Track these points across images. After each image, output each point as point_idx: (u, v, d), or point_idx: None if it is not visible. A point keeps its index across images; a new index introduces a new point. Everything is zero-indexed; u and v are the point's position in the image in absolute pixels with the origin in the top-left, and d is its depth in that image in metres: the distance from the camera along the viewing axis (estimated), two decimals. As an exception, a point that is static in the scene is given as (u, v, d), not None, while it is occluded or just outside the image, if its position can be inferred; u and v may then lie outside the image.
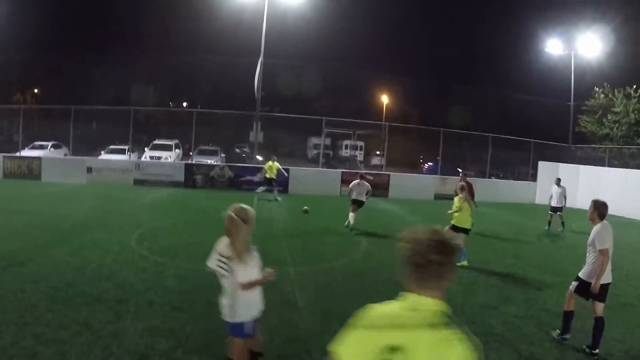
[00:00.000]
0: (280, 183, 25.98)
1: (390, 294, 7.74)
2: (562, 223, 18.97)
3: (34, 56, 56.23)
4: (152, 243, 12.39)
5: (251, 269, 4.97)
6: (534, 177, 32.54)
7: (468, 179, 17.28)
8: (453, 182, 28.25)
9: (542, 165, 31.70)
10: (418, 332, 2.37)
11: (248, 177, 26.58)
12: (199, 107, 53.73)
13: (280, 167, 23.81)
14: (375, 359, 2.26)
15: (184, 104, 67.22)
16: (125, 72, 61.16)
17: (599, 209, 7.27)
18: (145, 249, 11.71)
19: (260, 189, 23.67)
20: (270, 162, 23.73)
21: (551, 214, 19.41)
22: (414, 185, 28.43)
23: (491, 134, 32.55)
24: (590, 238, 7.18)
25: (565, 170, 30.01)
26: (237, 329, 4.96)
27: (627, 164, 33.43)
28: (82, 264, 10.07)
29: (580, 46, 36.03)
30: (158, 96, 62.54)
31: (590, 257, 7.17)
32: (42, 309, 7.46)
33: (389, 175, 28.91)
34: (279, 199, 23.20)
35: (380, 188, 27.12)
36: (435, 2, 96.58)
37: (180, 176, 26.64)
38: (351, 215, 16.50)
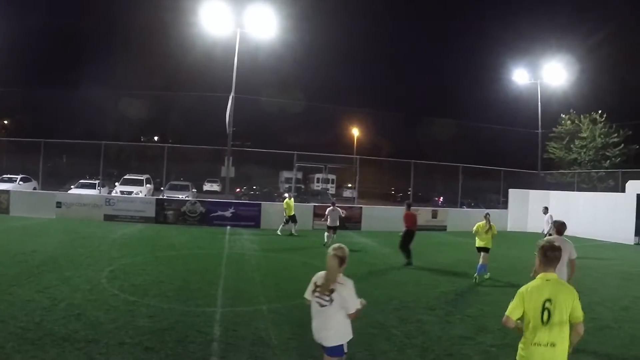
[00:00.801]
0: (252, 218, 26.05)
1: (362, 331, 7.76)
2: None
3: (3, 88, 55.68)
4: (122, 281, 12.21)
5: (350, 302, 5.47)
6: (504, 205, 32.95)
7: (412, 209, 18.21)
8: (425, 213, 28.60)
9: (513, 193, 32.29)
10: (554, 288, 4.71)
11: (220, 212, 26.43)
12: (170, 141, 53.60)
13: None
14: (540, 307, 4.63)
15: (155, 139, 66.99)
16: (96, 106, 60.79)
17: (557, 227, 9.31)
18: (115, 287, 11.52)
19: (282, 227, 23.81)
20: (288, 200, 23.89)
21: None
22: (386, 217, 28.47)
23: (461, 164, 32.99)
24: None
25: (535, 196, 30.66)
26: (338, 350, 5.59)
27: (595, 187, 34.23)
28: (51, 302, 9.87)
29: (545, 75, 37.06)
30: (129, 130, 62.12)
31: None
32: (10, 350, 7.29)
33: (361, 207, 29.02)
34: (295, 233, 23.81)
35: (353, 221, 27.25)
36: (403, 35, 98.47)
37: (151, 211, 26.38)
38: (326, 234, 20.60)
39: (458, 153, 44.91)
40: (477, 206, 37.09)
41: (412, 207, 18.10)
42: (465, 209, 33.25)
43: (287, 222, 23.81)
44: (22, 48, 70.79)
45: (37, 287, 11.03)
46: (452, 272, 15.38)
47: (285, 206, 23.75)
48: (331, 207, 21.23)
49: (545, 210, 21.20)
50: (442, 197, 43.64)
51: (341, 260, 5.49)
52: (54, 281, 11.75)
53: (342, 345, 5.57)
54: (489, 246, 14.61)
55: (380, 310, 10.36)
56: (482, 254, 14.45)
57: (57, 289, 11.04)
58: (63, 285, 11.38)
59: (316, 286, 5.74)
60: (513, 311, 4.90)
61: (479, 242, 14.72)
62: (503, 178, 34.54)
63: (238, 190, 40.73)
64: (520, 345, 4.89)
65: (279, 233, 23.29)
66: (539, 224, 21.94)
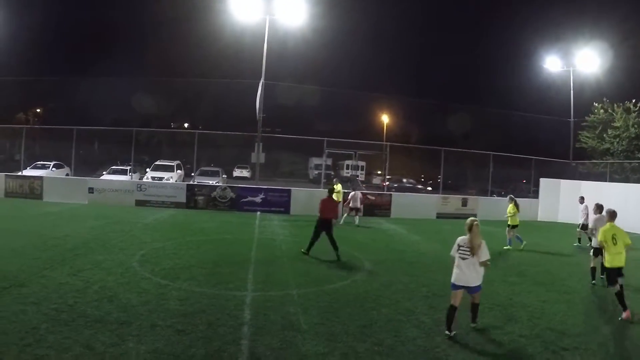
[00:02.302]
0: (282, 204, 26.04)
1: (391, 317, 7.68)
2: (579, 239, 19.88)
3: (36, 77, 56.48)
4: (154, 264, 12.32)
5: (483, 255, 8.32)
6: (535, 194, 32.40)
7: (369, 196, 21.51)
8: (455, 201, 28.34)
9: (544, 182, 31.68)
10: (616, 228, 10.38)
11: (250, 198, 26.47)
12: (200, 128, 53.85)
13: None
14: (611, 237, 10.14)
15: (185, 125, 67.40)
16: (127, 94, 61.42)
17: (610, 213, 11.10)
18: (147, 270, 11.63)
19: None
20: (335, 186, 23.20)
21: (579, 231, 19.86)
22: (415, 204, 28.27)
23: (492, 152, 32.48)
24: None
25: (566, 186, 30.02)
26: (479, 287, 8.42)
27: (628, 178, 33.39)
28: (84, 285, 10.00)
29: (578, 62, 36.00)
30: (160, 117, 62.64)
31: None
32: (44, 331, 7.38)
33: (390, 195, 28.83)
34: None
35: (382, 208, 27.08)
36: (435, 20, 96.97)
37: (182, 197, 26.56)
38: (345, 215, 22.95)
39: (489, 141, 44.35)
40: (507, 195, 36.63)
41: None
42: (496, 198, 32.74)
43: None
44: (53, 37, 71.69)
45: (70, 271, 11.17)
46: None
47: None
48: (353, 192, 23.73)
49: (582, 199, 20.78)
50: (474, 189, 43.05)
51: (477, 227, 8.26)
52: (87, 265, 11.89)
53: (480, 284, 8.37)
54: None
55: (410, 298, 10.28)
56: (515, 229, 18.16)
57: (89, 272, 11.18)
58: (96, 269, 11.51)
59: (459, 246, 8.38)
60: (601, 240, 10.26)
61: (513, 221, 18.16)
62: (534, 167, 33.93)
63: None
64: (606, 256, 10.23)
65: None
66: (570, 215, 21.49)
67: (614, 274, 9.89)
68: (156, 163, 34.89)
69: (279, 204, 26.44)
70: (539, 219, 29.99)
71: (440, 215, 27.72)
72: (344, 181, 30.18)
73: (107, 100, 61.67)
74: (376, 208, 26.87)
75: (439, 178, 34.03)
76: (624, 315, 9.43)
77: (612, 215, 10.76)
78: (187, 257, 13.57)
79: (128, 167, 32.53)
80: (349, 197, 23.34)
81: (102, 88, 58.45)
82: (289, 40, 34.84)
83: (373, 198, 27.47)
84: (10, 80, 52.32)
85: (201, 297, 9.65)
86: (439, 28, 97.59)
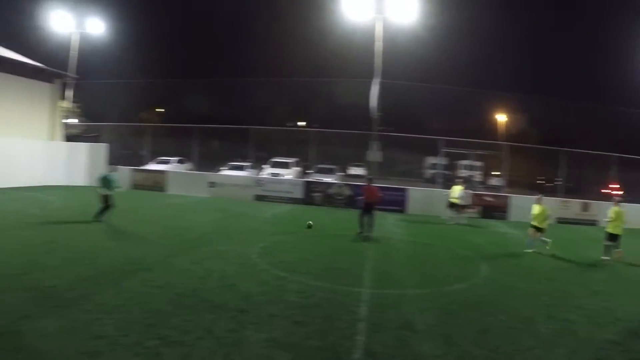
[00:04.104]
0: (398, 203, 25.73)
1: (509, 325, 7.25)
2: None
3: (161, 79, 59.57)
4: (272, 257, 12.48)
5: None
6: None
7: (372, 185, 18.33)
8: (575, 205, 26.75)
9: None
10: None
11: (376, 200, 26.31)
12: (315, 126, 54.44)
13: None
14: None
15: (300, 124, 68.40)
16: (245, 93, 63.29)
17: None
18: (266, 262, 11.78)
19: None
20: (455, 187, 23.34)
21: None
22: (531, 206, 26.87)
23: (615, 154, 30.34)
24: None
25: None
26: None
27: None
28: (205, 273, 10.30)
29: None
30: (276, 116, 63.98)
31: None
32: (167, 313, 7.65)
33: (508, 197, 27.69)
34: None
35: (498, 210, 26.10)
36: (557, 15, 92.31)
37: (299, 193, 26.95)
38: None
39: (613, 142, 41.67)
40: (634, 201, 34.20)
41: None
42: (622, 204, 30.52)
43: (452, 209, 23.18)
44: (174, 42, 75.12)
45: (193, 259, 11.54)
46: (604, 271, 14.08)
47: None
48: (464, 191, 22.65)
49: None
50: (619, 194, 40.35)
51: None
52: (208, 254, 12.26)
53: None
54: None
55: (528, 306, 9.70)
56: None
57: (211, 261, 11.51)
58: (216, 259, 11.83)
59: None
60: None
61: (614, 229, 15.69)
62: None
63: None
64: None
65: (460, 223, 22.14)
66: None
67: None
68: (274, 160, 35.55)
69: (395, 202, 26.10)
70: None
71: (560, 220, 26.20)
72: (461, 183, 29.41)
73: (226, 100, 63.94)
74: (493, 210, 25.93)
75: (558, 180, 32.36)
76: None
77: None
78: (305, 251, 13.67)
79: (246, 164, 33.34)
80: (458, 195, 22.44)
81: (221, 88, 60.72)
82: (401, 39, 34.52)
83: (492, 200, 26.58)
84: (135, 82, 55.57)
85: (318, 290, 9.63)
86: (559, 23, 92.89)
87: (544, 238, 15.87)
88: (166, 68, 68.06)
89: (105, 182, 16.36)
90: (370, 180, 18.75)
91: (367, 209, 17.15)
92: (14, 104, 26.87)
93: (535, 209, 16.42)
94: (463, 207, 22.31)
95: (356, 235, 16.71)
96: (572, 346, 7.68)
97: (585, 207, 26.98)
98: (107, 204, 16.06)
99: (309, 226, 16.98)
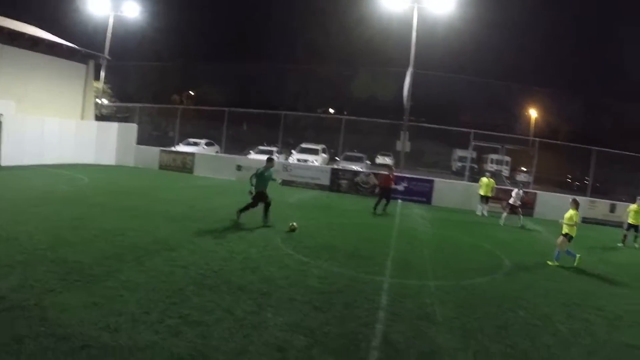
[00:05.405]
0: (424, 194, 25.58)
1: (527, 322, 7.14)
2: None
3: (191, 61, 59.93)
4: (296, 242, 12.48)
5: None
6: None
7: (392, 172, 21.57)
8: (602, 206, 26.21)
9: None
10: None
11: (392, 186, 26.21)
12: (345, 113, 54.32)
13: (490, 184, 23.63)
14: None
15: (331, 111, 68.33)
16: (276, 79, 63.43)
17: None
18: (289, 247, 11.80)
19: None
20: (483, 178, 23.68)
21: None
22: (561, 205, 26.32)
23: None
24: None
25: None
26: None
27: None
28: (228, 254, 10.36)
29: None
30: (306, 102, 63.96)
31: None
32: (189, 293, 7.71)
33: (535, 193, 27.27)
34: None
35: (524, 206, 25.77)
36: (589, 11, 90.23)
37: (326, 180, 26.93)
38: (505, 215, 21.14)
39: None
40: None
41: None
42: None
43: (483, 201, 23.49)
44: (207, 25, 75.32)
45: (217, 240, 11.64)
46: (626, 273, 13.80)
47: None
48: (516, 190, 21.97)
49: None
50: None
51: None
52: (233, 236, 12.35)
53: None
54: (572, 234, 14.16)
55: (548, 303, 9.55)
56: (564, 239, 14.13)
57: (235, 243, 11.58)
58: (240, 241, 11.90)
59: None
60: None
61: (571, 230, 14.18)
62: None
63: None
64: None
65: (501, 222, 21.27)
66: None
67: None
68: (302, 145, 35.61)
69: (421, 193, 25.96)
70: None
71: (585, 220, 25.60)
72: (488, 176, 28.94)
73: (258, 85, 64.10)
74: (522, 206, 25.64)
75: (586, 179, 31.75)
76: None
77: None
78: (329, 237, 13.64)
79: (274, 148, 33.40)
80: (513, 194, 21.66)
81: (253, 73, 60.85)
82: (436, 29, 34.22)
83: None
84: (168, 65, 55.95)
85: (340, 277, 9.62)
86: (594, 18, 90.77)
87: (570, 250, 14.29)
88: (200, 52, 68.48)
89: (261, 178, 14.73)
90: (390, 168, 21.42)
91: (383, 193, 20.34)
92: (48, 84, 27.39)
93: (569, 213, 14.69)
94: (517, 207, 21.19)
95: (373, 213, 19.58)
96: (590, 346, 7.55)
97: (612, 209, 26.46)
98: (259, 200, 14.67)
99: (292, 229, 13.92)
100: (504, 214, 21.16)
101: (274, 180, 15.44)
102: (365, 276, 9.92)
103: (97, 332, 5.96)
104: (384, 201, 20.11)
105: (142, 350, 5.64)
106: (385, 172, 21.92)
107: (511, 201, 21.25)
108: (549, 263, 13.57)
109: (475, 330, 7.63)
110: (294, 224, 13.97)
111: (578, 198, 15.94)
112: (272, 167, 15.34)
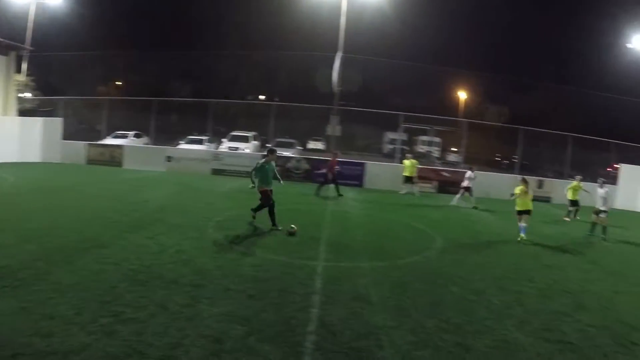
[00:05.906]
0: (356, 177, 25.93)
1: (462, 297, 7.51)
2: None
3: (117, 51, 58.27)
4: (229, 231, 12.51)
5: None
6: (614, 181, 30.29)
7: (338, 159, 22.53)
8: (531, 182, 27.08)
9: (625, 169, 29.19)
10: None
11: (324, 171, 26.39)
12: (276, 100, 54.12)
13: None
14: None
15: (261, 97, 67.92)
16: (203, 67, 62.48)
17: None
18: (222, 236, 11.83)
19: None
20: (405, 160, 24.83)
21: None
22: (490, 183, 27.23)
23: (571, 134, 30.92)
24: None
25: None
26: None
27: None
28: (160, 248, 10.27)
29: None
30: (236, 89, 63.36)
31: None
32: (122, 290, 7.63)
33: (464, 172, 28.00)
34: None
35: (457, 185, 26.49)
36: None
37: (257, 167, 26.73)
38: (458, 196, 22.14)
39: (569, 122, 42.46)
40: (584, 180, 35.00)
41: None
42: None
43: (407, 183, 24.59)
44: (133, 12, 73.37)
45: (148, 234, 11.49)
46: (555, 245, 14.47)
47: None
48: (470, 172, 22.69)
49: None
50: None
51: None
52: (165, 229, 12.22)
53: None
54: (530, 208, 14.92)
55: (481, 278, 9.96)
56: (524, 216, 14.74)
57: (166, 235, 11.48)
58: (172, 233, 11.81)
59: None
60: None
61: (521, 206, 14.91)
62: (615, 151, 32.03)
63: None
64: None
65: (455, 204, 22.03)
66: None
67: None
68: (232, 133, 35.29)
69: (353, 177, 26.31)
70: (617, 207, 28.06)
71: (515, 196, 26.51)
72: (418, 157, 29.41)
73: (185, 73, 63.05)
74: (452, 185, 26.33)
75: (514, 157, 32.85)
76: None
77: None
78: (261, 225, 13.62)
79: (204, 137, 33.07)
80: (466, 176, 22.54)
81: (180, 61, 59.76)
82: (365, 13, 34.50)
83: (448, 175, 27.02)
84: (93, 55, 54.29)
85: (273, 264, 9.73)
86: (520, 3, 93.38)
87: (523, 224, 14.75)
88: (125, 40, 66.60)
89: (262, 172, 13.77)
90: (335, 154, 22.08)
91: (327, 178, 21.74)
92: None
93: (518, 190, 15.11)
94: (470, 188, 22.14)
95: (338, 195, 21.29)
96: (522, 317, 7.93)
97: (540, 185, 27.58)
98: (266, 198, 13.70)
99: (291, 232, 12.80)
100: (457, 195, 21.85)
101: (278, 180, 14.29)
102: (299, 261, 10.05)
103: (29, 338, 5.81)
104: (331, 186, 21.85)
105: (76, 354, 5.55)
106: (330, 158, 22.60)
107: (465, 183, 22.11)
108: (521, 239, 14.41)
109: (409, 307, 7.87)
110: (293, 227, 12.86)
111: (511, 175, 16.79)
112: (273, 160, 14.17)
